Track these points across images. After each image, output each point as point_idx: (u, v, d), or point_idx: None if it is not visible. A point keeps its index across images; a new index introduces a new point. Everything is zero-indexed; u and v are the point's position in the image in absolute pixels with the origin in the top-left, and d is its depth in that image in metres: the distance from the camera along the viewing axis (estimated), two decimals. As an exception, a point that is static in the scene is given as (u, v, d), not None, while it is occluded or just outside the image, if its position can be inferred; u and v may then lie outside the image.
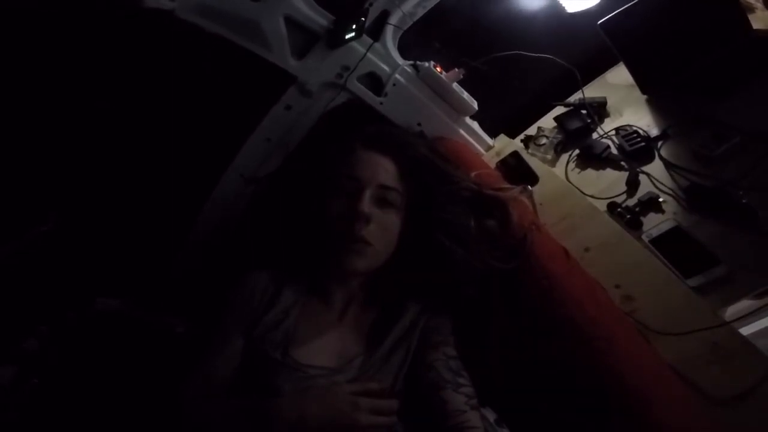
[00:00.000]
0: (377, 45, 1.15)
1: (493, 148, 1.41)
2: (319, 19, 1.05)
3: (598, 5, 1.30)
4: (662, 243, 1.00)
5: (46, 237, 1.13)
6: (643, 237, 1.03)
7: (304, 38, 1.08)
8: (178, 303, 1.28)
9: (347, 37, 1.06)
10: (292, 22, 1.03)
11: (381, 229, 0.84)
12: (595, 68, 1.46)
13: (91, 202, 1.22)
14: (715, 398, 0.74)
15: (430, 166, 0.91)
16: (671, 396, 0.71)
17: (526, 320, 0.85)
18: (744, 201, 0.96)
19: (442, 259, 0.86)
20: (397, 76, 1.19)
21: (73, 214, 1.18)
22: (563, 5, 1.33)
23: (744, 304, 0.91)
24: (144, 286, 1.22)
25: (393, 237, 0.87)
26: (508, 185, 1.00)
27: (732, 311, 0.89)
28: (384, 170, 0.87)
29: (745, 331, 0.86)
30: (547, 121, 1.44)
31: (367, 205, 0.82)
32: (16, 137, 1.09)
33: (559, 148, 1.35)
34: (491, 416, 0.86)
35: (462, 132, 1.33)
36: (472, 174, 0.99)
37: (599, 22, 1.25)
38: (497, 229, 0.89)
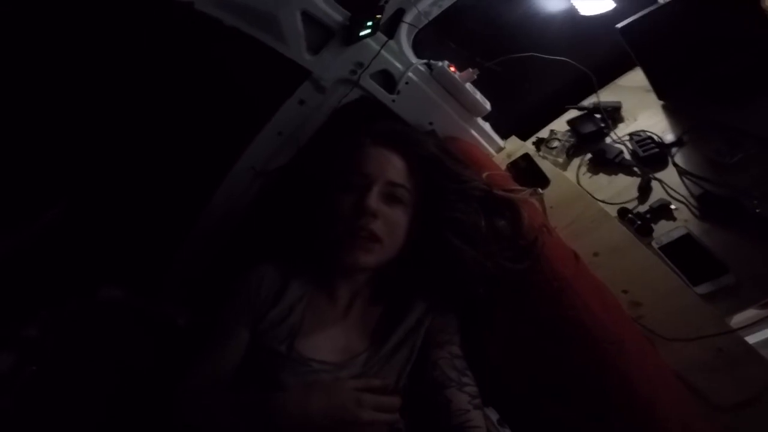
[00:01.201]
0: (391, 43, 1.18)
1: (503, 149, 1.44)
2: (336, 15, 1.07)
3: (614, 9, 1.31)
4: (672, 250, 1.02)
5: (54, 223, 1.15)
6: (653, 244, 1.04)
7: (320, 34, 1.11)
8: (182, 294, 1.31)
9: (362, 34, 1.08)
10: (308, 17, 1.06)
11: (388, 225, 0.86)
12: (611, 72, 1.47)
13: (101, 189, 1.24)
14: (718, 404, 0.76)
15: (439, 165, 0.92)
16: (676, 400, 0.74)
17: (534, 321, 0.86)
18: (757, 210, 0.97)
19: (452, 258, 0.87)
20: (410, 74, 1.22)
21: (83, 201, 1.21)
22: (577, 8, 1.35)
23: (750, 313, 0.92)
24: (149, 276, 1.25)
25: (401, 234, 0.88)
26: (518, 187, 1.01)
27: (738, 320, 0.91)
28: (393, 167, 0.89)
29: (750, 340, 0.87)
30: (560, 124, 1.46)
31: (374, 200, 0.84)
32: (30, 124, 1.12)
33: (572, 152, 1.37)
34: (494, 416, 0.88)
35: (473, 132, 1.35)
36: (483, 175, 1.00)
37: (618, 26, 1.26)
38: (508, 229, 0.90)
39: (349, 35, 1.08)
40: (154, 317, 1.11)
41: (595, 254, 1.04)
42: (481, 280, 0.87)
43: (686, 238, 1.02)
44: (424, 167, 0.91)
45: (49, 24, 1.01)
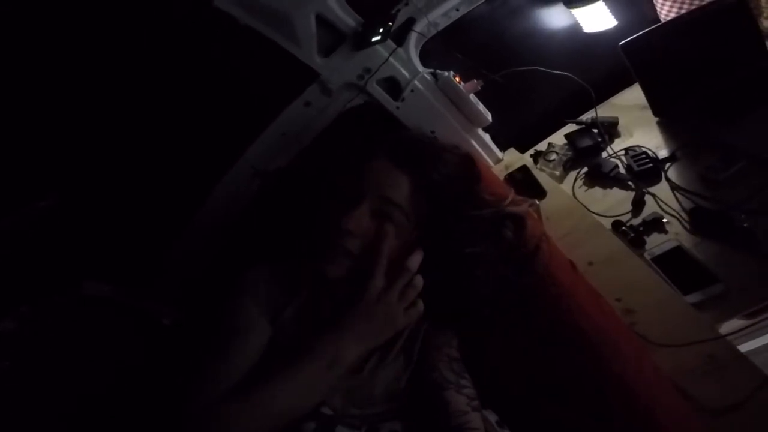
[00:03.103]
0: (400, 50, 1.22)
1: (502, 161, 1.48)
2: (349, 19, 1.11)
3: (617, 27, 1.38)
4: (663, 261, 1.07)
5: (45, 213, 1.14)
6: (646, 255, 1.09)
7: (332, 37, 1.14)
8: (176, 294, 1.31)
9: (373, 40, 1.11)
10: (322, 20, 1.10)
11: (369, 243, 0.82)
12: (610, 88, 1.53)
13: (96, 183, 1.24)
14: (709, 408, 0.80)
15: (457, 190, 0.87)
16: (672, 404, 0.77)
17: (533, 324, 0.88)
18: (745, 225, 1.03)
19: (465, 288, 0.85)
20: (416, 82, 1.25)
21: (77, 194, 1.21)
22: (581, 25, 1.42)
23: (739, 323, 0.98)
24: (140, 274, 1.25)
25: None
26: (520, 197, 1.00)
27: (726, 328, 0.95)
28: (394, 185, 0.84)
29: (742, 349, 0.91)
30: (558, 138, 1.51)
31: (355, 219, 0.80)
32: (30, 116, 1.12)
33: (568, 165, 1.42)
34: (493, 418, 0.89)
35: (473, 143, 1.39)
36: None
37: (620, 43, 1.32)
38: (513, 241, 0.90)
39: (360, 40, 1.12)
40: (139, 315, 1.11)
41: (590, 264, 1.09)
42: (490, 301, 0.86)
43: (677, 250, 1.07)
44: (438, 190, 0.85)
45: (48, 17, 1.03)
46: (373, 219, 0.82)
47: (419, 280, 0.79)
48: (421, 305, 0.80)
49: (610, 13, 1.36)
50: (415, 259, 0.79)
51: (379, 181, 0.84)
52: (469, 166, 0.94)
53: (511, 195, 0.95)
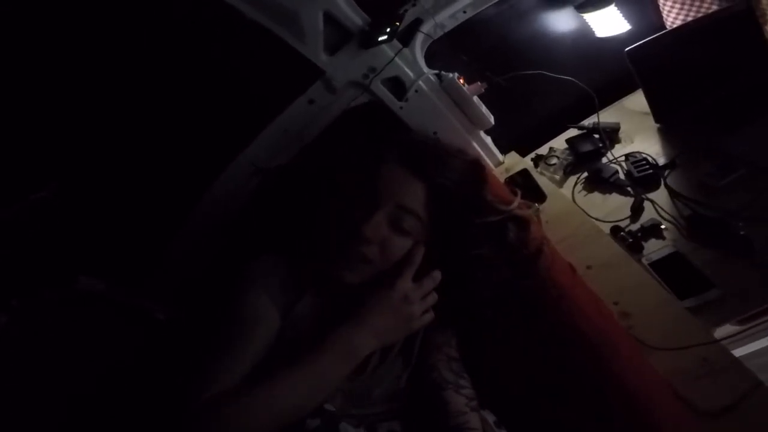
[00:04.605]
0: (406, 51, 1.23)
1: (502, 164, 1.50)
2: (356, 18, 1.13)
3: (628, 32, 1.41)
4: (661, 267, 1.10)
5: (41, 205, 1.14)
6: (643, 260, 1.12)
7: (338, 35, 1.16)
8: (173, 290, 1.31)
9: (380, 39, 1.13)
10: (329, 18, 1.11)
11: (386, 250, 0.83)
12: (613, 94, 1.56)
13: (96, 176, 1.24)
14: (703, 410, 0.82)
15: (467, 195, 0.88)
16: (670, 405, 0.80)
17: (533, 325, 0.90)
18: (742, 233, 1.06)
19: (469, 290, 0.87)
20: (421, 83, 1.27)
21: (76, 187, 1.20)
22: (593, 29, 1.44)
23: (733, 328, 1.01)
24: (135, 270, 1.25)
25: (397, 260, 0.84)
26: (522, 200, 1.01)
27: (721, 332, 0.98)
28: (410, 192, 0.84)
29: (736, 354, 0.94)
30: (559, 142, 1.54)
31: (372, 227, 0.81)
32: (26, 108, 1.13)
33: (569, 170, 1.45)
34: (491, 418, 0.90)
35: (475, 145, 1.41)
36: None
37: (626, 49, 1.34)
38: (516, 243, 0.91)
39: (367, 39, 1.14)
40: (133, 312, 1.10)
41: (588, 267, 1.11)
42: (491, 303, 0.88)
43: (675, 256, 1.10)
44: (448, 195, 0.86)
45: (49, 15, 1.03)
46: (389, 226, 0.83)
47: (435, 294, 0.83)
48: (432, 313, 0.83)
49: (623, 18, 1.39)
50: (438, 274, 0.83)
51: (395, 189, 0.84)
52: (477, 171, 0.95)
53: (517, 200, 0.97)
